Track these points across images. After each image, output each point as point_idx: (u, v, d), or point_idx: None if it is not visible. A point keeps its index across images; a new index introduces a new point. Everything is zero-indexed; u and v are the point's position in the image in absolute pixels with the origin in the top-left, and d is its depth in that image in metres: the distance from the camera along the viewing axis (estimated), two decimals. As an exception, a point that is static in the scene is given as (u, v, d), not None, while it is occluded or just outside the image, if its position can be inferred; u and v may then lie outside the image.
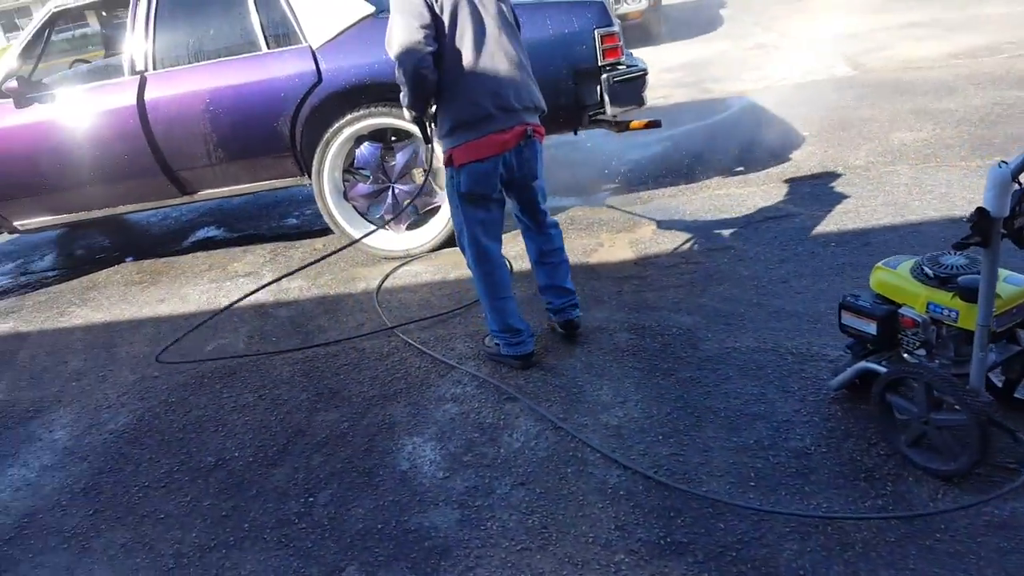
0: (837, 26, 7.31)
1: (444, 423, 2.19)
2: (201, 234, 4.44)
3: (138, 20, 3.32)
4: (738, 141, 4.36)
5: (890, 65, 5.59)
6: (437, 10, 2.06)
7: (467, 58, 2.08)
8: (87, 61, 4.30)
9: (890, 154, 3.78)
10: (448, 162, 2.20)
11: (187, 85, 3.27)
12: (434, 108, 2.21)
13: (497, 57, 2.11)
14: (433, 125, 2.27)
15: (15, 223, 3.68)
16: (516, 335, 2.34)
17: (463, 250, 2.34)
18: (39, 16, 3.45)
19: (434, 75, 2.09)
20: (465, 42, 2.08)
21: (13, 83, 3.30)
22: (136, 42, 3.32)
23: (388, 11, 3.22)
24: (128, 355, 3.00)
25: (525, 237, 2.46)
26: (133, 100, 3.30)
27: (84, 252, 4.53)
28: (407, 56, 2.04)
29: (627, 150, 4.59)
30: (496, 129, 2.11)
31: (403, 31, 2.04)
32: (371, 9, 3.22)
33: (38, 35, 3.44)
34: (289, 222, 4.36)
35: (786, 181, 3.66)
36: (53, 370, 2.99)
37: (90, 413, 2.59)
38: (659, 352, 2.37)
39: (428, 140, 2.38)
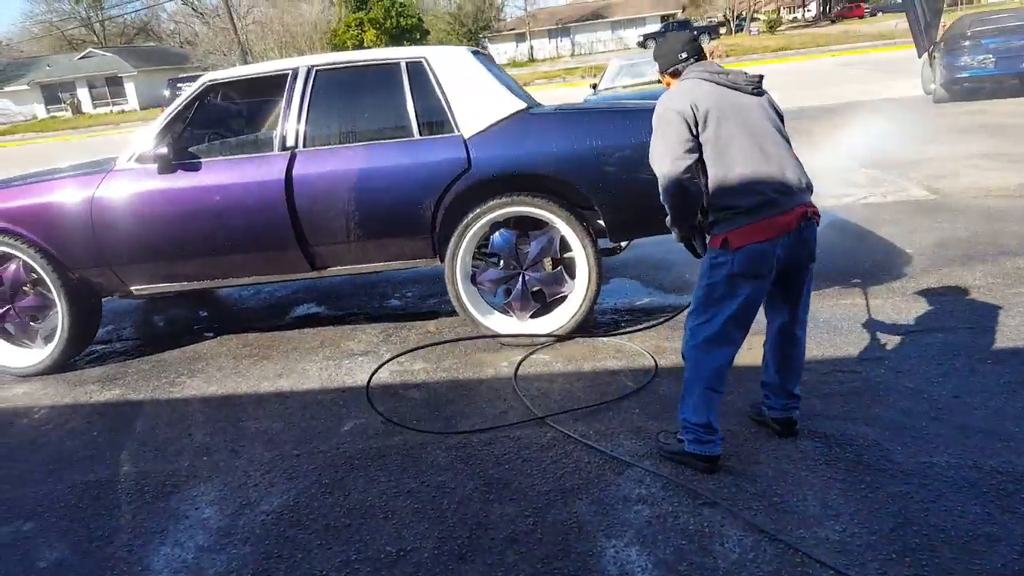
0: (896, 151, 7.50)
1: (640, 527, 2.06)
2: (302, 310, 4.39)
3: (293, 99, 3.40)
4: (842, 253, 4.37)
5: (969, 192, 5.68)
6: (699, 117, 2.10)
7: (739, 151, 2.10)
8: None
9: (1008, 276, 3.76)
10: (721, 245, 2.15)
11: (337, 164, 3.31)
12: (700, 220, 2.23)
13: (767, 144, 2.13)
14: (697, 241, 2.28)
15: (132, 287, 3.64)
16: (710, 433, 2.24)
17: (692, 333, 2.23)
18: (194, 87, 3.53)
19: (696, 186, 2.12)
20: (735, 138, 2.11)
21: (164, 149, 3.33)
22: (289, 119, 3.38)
23: (535, 106, 3.34)
24: (258, 430, 2.88)
25: (772, 332, 2.37)
26: (281, 175, 3.32)
27: (179, 322, 4.47)
28: (669, 179, 2.11)
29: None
30: (778, 212, 2.10)
31: (664, 155, 2.12)
32: (523, 105, 3.30)
33: (189, 105, 3.50)
34: (392, 303, 4.32)
35: (912, 295, 3.63)
36: (177, 443, 2.86)
37: (235, 491, 2.46)
38: (854, 463, 2.26)
39: (698, 256, 2.34)
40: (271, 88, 3.69)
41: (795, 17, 58.83)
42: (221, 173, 3.41)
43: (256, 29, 37.07)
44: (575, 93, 15.18)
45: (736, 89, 2.18)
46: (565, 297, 3.41)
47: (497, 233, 3.35)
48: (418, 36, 37.72)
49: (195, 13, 50.83)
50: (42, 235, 3.52)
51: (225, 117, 4.21)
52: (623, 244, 3.93)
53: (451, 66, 3.36)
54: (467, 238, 3.32)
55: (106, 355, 3.94)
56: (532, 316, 3.44)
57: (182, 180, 3.42)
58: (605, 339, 3.40)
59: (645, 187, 2.84)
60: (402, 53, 3.43)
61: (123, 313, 4.74)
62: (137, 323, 4.54)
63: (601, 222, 3.32)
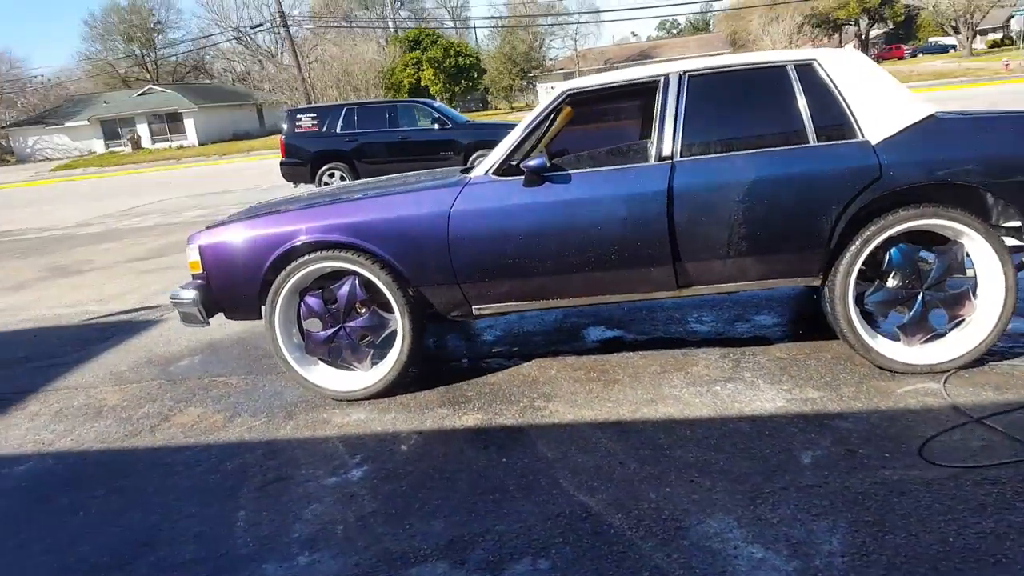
0: None
1: None
2: (598, 334, 4.16)
3: (667, 107, 3.22)
4: None
5: None
6: None
7: None
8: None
9: None
10: None
11: (724, 174, 3.11)
12: None
13: None
14: None
15: (474, 306, 3.43)
16: None
17: None
18: (552, 97, 3.36)
19: None
20: None
21: (535, 161, 3.15)
22: (665, 128, 3.19)
23: (940, 112, 3.12)
24: (696, 460, 2.63)
25: None
26: (663, 186, 3.13)
27: (469, 345, 4.27)
28: None
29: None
30: None
31: None
32: (932, 109, 3.09)
33: (548, 115, 3.34)
34: (695, 327, 4.07)
35: None
36: (615, 471, 2.62)
37: (761, 525, 2.19)
38: None
39: None
40: (635, 96, 3.53)
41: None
42: (593, 185, 3.22)
43: (317, 67, 37.78)
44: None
45: None
46: (962, 321, 3.14)
47: (894, 248, 3.11)
48: (475, 75, 38.20)
49: (248, 51, 52.08)
50: (391, 250, 3.35)
51: (585, 127, 4.05)
52: None
53: (846, 67, 3.16)
54: (864, 254, 3.08)
55: (417, 379, 3.72)
56: (925, 342, 3.16)
57: (550, 193, 3.23)
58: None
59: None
60: (786, 56, 3.25)
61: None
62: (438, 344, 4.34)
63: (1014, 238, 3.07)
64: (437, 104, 12.91)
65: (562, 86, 3.41)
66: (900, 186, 3.01)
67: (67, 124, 45.13)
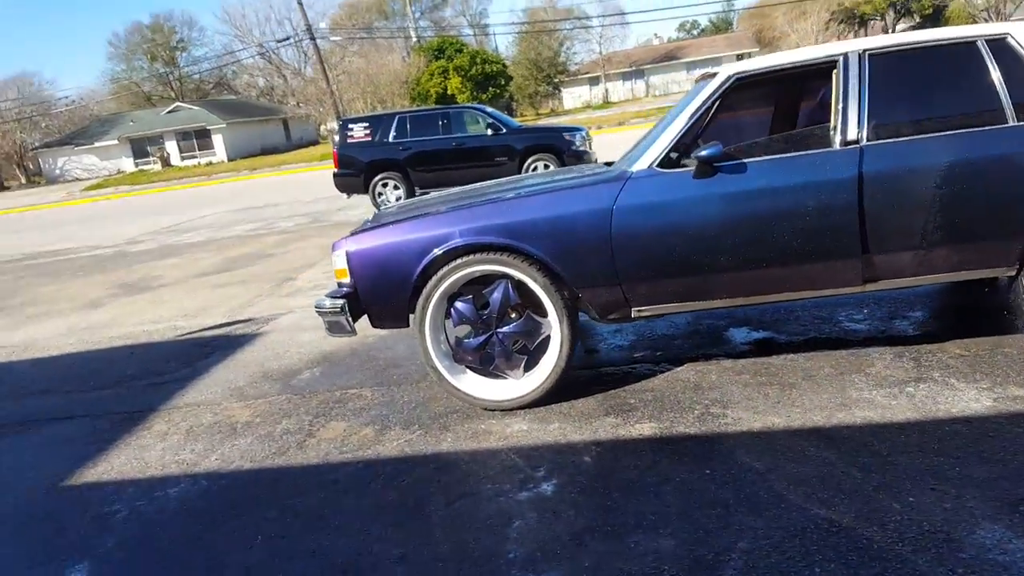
0: None
1: None
2: (743, 335, 3.97)
3: (850, 88, 3.04)
4: None
5: None
6: None
7: None
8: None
9: None
10: None
11: (921, 158, 2.92)
12: None
13: None
14: None
15: (634, 308, 3.26)
16: None
17: None
18: (716, 82, 3.19)
19: None
20: None
21: (713, 149, 2.98)
22: (849, 111, 3.01)
23: None
24: (927, 467, 2.43)
25: None
26: (852, 173, 2.94)
27: (608, 349, 4.09)
28: None
29: None
30: None
31: None
32: None
33: (713, 103, 3.17)
34: (852, 327, 3.86)
35: None
36: (844, 483, 2.43)
37: (1051, 538, 1.99)
38: None
39: None
40: (807, 78, 3.35)
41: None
42: (772, 175, 3.04)
43: (345, 79, 37.96)
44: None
45: None
46: None
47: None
48: (503, 82, 38.17)
49: (272, 66, 52.52)
50: (550, 251, 3.19)
51: (752, 114, 3.89)
52: None
53: None
54: (1069, 242, 2.87)
55: (564, 387, 3.54)
56: None
57: (725, 184, 3.06)
58: None
59: None
60: (977, 30, 3.05)
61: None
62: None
63: None
64: (489, 109, 12.78)
65: (726, 70, 3.23)
66: None
67: (96, 144, 45.68)
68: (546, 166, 11.60)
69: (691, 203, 3.08)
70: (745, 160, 3.07)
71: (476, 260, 3.25)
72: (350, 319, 3.41)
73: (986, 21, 41.79)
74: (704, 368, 3.57)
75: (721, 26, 68.15)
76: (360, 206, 12.48)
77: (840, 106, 3.04)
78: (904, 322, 3.83)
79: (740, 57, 46.74)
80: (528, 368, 3.38)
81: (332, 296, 3.45)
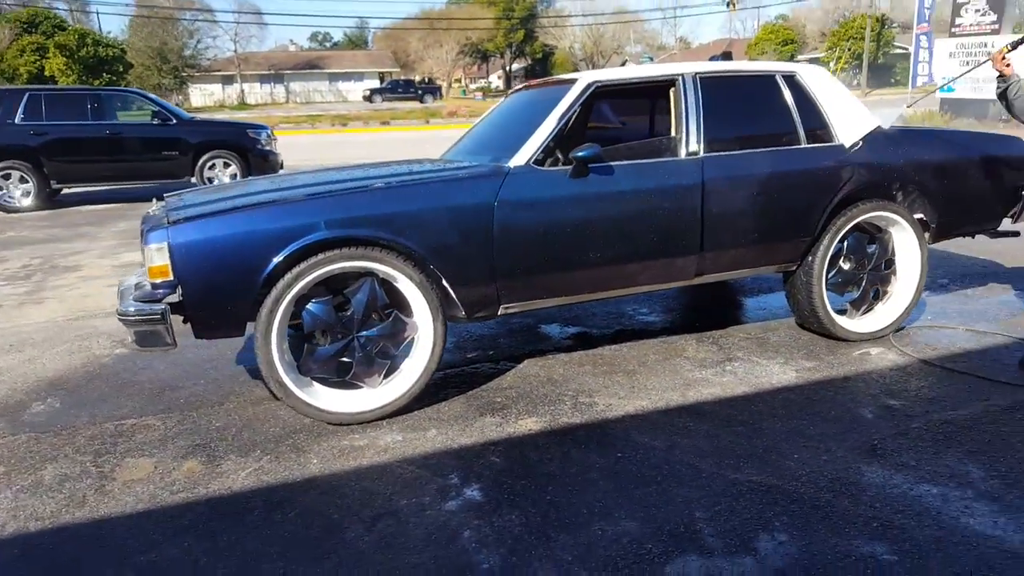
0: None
1: None
2: (558, 331, 4.13)
3: (688, 105, 3.41)
4: None
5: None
6: None
7: None
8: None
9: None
10: None
11: (745, 169, 3.42)
12: None
13: None
14: None
15: (502, 305, 3.22)
16: None
17: None
18: (578, 87, 3.30)
19: None
20: None
21: (591, 150, 3.09)
22: (689, 125, 3.38)
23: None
24: (820, 435, 2.87)
25: None
26: (698, 180, 3.32)
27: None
28: None
29: None
30: None
31: None
32: (878, 122, 3.73)
33: (576, 106, 3.27)
34: (645, 319, 4.30)
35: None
36: (739, 448, 2.73)
37: None
38: None
39: None
40: (649, 93, 3.59)
41: (478, 87, 64.06)
42: (635, 178, 3.26)
43: None
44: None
45: None
46: (887, 295, 3.84)
47: (851, 237, 3.69)
48: (121, 69, 33.55)
49: None
50: (429, 246, 2.97)
51: (602, 120, 3.88)
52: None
53: (819, 81, 3.66)
54: (836, 239, 3.61)
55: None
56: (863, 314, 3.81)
57: (598, 184, 3.19)
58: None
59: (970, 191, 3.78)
60: (772, 67, 3.65)
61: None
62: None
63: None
64: (153, 96, 11.20)
65: (585, 78, 3.37)
66: (865, 183, 3.58)
67: None
68: (226, 164, 10.58)
69: (567, 201, 3.15)
70: (612, 163, 3.23)
71: (341, 256, 2.87)
72: (171, 328, 2.75)
73: (585, 68, 49.58)
74: (544, 363, 3.65)
75: (357, 41, 69.40)
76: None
77: (682, 119, 3.39)
78: (679, 314, 4.40)
79: (381, 76, 48.09)
80: (386, 375, 3.09)
81: (144, 300, 2.74)
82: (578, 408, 3.10)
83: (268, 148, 10.90)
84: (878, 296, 3.83)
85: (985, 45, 14.21)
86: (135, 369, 3.76)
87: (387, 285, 3.02)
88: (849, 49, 38.01)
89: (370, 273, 2.96)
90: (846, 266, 3.73)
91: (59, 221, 8.91)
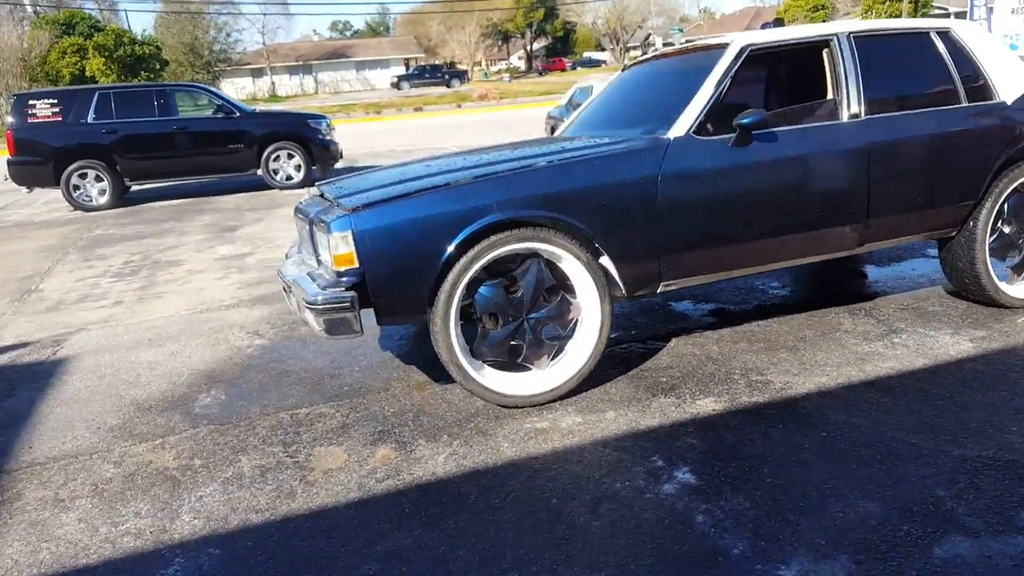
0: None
1: None
2: (692, 308, 4.06)
3: (846, 66, 3.30)
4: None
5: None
6: None
7: None
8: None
9: None
10: None
11: (910, 131, 3.31)
12: None
13: None
14: None
15: (663, 282, 3.15)
16: None
17: None
18: (731, 52, 3.21)
19: None
20: None
21: (756, 116, 2.99)
22: (848, 87, 3.27)
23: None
24: None
25: None
26: (863, 142, 3.21)
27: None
28: None
29: None
30: None
31: None
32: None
33: (733, 71, 3.18)
34: (777, 293, 4.20)
35: None
36: (948, 422, 2.64)
37: None
38: None
39: None
40: (800, 55, 3.49)
41: (499, 70, 63.61)
42: (799, 143, 3.17)
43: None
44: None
45: None
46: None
47: (1012, 199, 3.55)
48: (157, 66, 33.88)
49: None
50: (596, 223, 2.92)
51: (760, 84, 3.80)
52: None
53: (975, 36, 3.52)
54: (998, 202, 3.47)
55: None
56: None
57: (762, 152, 3.10)
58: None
59: None
60: (925, 23, 3.53)
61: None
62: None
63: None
64: (214, 89, 11.27)
65: (739, 40, 3.27)
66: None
67: None
68: (290, 156, 10.62)
69: (732, 171, 3.07)
70: (774, 130, 3.14)
71: (514, 237, 2.83)
72: (359, 315, 2.73)
73: (610, 45, 48.89)
74: (693, 341, 3.58)
75: (378, 29, 69.33)
76: (41, 201, 10.11)
77: (842, 81, 3.27)
78: (813, 287, 4.30)
79: (406, 62, 47.98)
80: (553, 357, 3.05)
81: (330, 286, 2.72)
82: (754, 387, 3.03)
83: (329, 138, 10.93)
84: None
85: (1052, 3, 13.67)
86: (283, 359, 3.77)
87: (554, 266, 2.97)
88: (887, 12, 37.01)
89: (535, 255, 2.91)
90: (1007, 230, 3.60)
91: (140, 217, 9.01)
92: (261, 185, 10.64)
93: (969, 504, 2.16)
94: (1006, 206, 3.55)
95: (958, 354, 3.19)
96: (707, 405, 2.91)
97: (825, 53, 3.37)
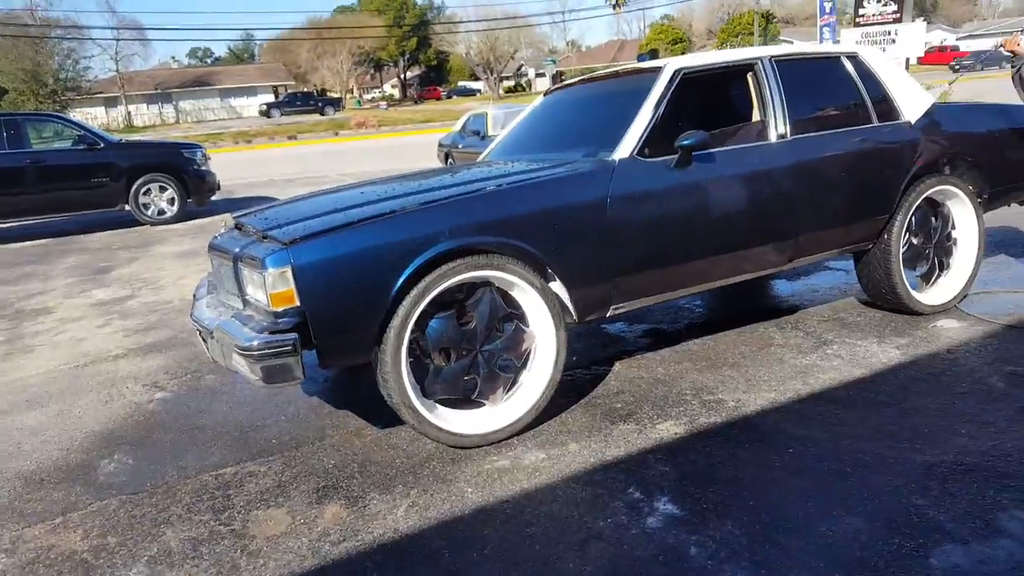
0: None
1: None
2: (630, 329, 4.01)
3: (771, 88, 3.38)
4: None
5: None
6: None
7: None
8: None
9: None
10: None
11: (830, 150, 3.42)
12: None
13: None
14: None
15: (613, 306, 3.07)
16: None
17: None
18: (666, 75, 3.20)
19: None
20: None
21: (698, 136, 2.99)
22: (773, 108, 3.35)
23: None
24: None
25: None
26: (792, 161, 3.29)
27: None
28: None
29: None
30: None
31: None
32: (933, 99, 3.82)
33: (668, 94, 3.17)
34: (700, 312, 4.24)
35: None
36: (903, 433, 2.70)
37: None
38: None
39: None
40: (726, 78, 3.52)
41: (373, 98, 62.96)
42: (734, 164, 3.19)
43: None
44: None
45: None
46: (949, 267, 3.93)
47: (918, 212, 3.75)
48: (-5, 94, 30.94)
49: None
50: (549, 249, 2.80)
51: (690, 106, 3.73)
52: None
53: (878, 60, 3.71)
54: (908, 215, 3.66)
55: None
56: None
57: (701, 172, 3.10)
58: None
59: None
60: (834, 48, 3.70)
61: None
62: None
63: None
64: (75, 119, 10.36)
65: (672, 64, 3.27)
66: (934, 158, 3.65)
67: None
68: (162, 188, 9.89)
69: (675, 191, 3.05)
70: (712, 150, 3.15)
71: (466, 265, 2.66)
72: (302, 359, 2.47)
73: (483, 74, 49.53)
74: (638, 363, 3.53)
75: (242, 56, 66.91)
76: None
77: (767, 102, 3.35)
78: (731, 304, 4.38)
79: (275, 89, 46.52)
80: (508, 389, 2.89)
81: (266, 329, 2.44)
82: (708, 407, 3.00)
83: (205, 168, 10.28)
84: (942, 268, 3.92)
85: (888, 33, 15.11)
86: (193, 413, 3.38)
87: (507, 295, 2.83)
88: (740, 45, 39.82)
89: (486, 283, 2.76)
90: (915, 241, 3.80)
91: (-9, 261, 8.04)
92: (131, 221, 9.82)
93: (948, 511, 2.18)
94: (914, 219, 3.74)
95: (889, 361, 3.30)
96: (668, 429, 2.84)
97: (750, 76, 3.44)
